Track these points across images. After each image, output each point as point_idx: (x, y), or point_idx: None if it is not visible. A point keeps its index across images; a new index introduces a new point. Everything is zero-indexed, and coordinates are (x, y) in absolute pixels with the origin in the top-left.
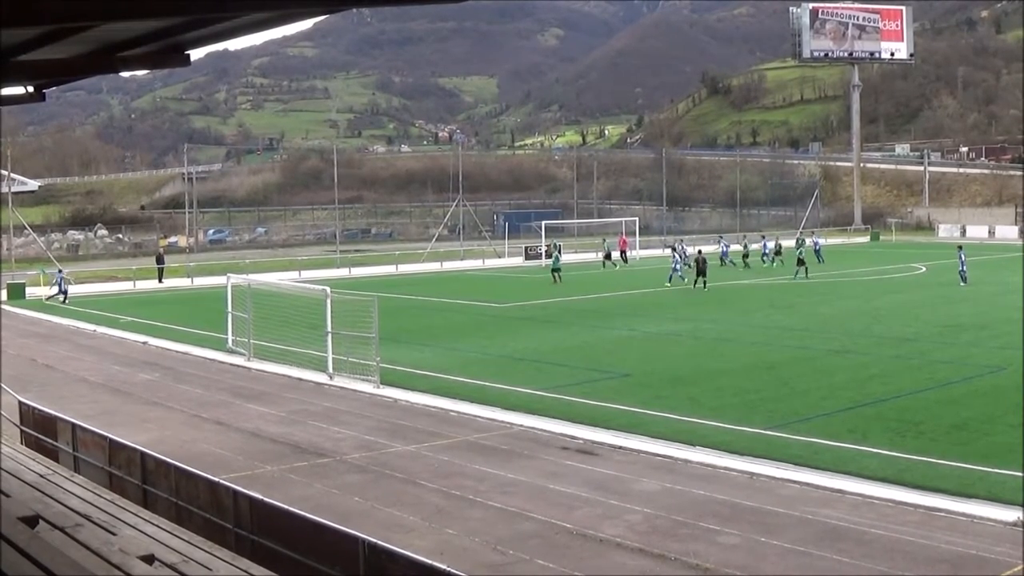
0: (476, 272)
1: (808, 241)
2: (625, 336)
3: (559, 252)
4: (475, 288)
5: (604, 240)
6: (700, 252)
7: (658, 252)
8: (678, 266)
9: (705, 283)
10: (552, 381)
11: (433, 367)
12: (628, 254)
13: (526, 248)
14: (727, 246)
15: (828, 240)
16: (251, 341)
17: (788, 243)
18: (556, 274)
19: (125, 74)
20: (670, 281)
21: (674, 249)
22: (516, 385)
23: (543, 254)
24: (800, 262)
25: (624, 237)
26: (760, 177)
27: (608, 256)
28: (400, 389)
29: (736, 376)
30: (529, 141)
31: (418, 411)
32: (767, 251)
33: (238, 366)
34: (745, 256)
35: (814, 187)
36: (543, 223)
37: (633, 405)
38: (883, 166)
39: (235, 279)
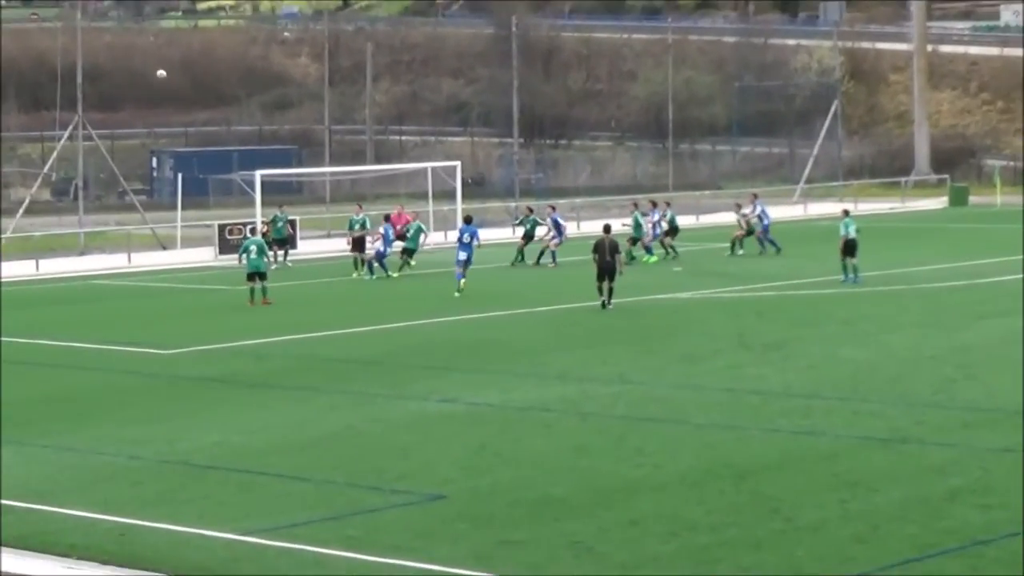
0: (115, 279)
1: (752, 211)
2: (433, 414)
3: (265, 240)
4: (112, 314)
5: (358, 211)
6: (607, 229)
7: (503, 234)
8: (466, 257)
9: (610, 292)
10: (279, 512)
11: (16, 488)
12: (421, 242)
13: (222, 228)
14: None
15: (864, 206)
16: None
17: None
18: (257, 283)
19: None
20: (459, 291)
21: (468, 222)
22: (200, 524)
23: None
24: (848, 249)
25: (403, 210)
26: (716, 76)
27: (357, 246)
28: None
29: (672, 495)
30: (226, 1)
31: None
32: (657, 232)
33: None
34: (635, 240)
35: (830, 95)
36: (258, 175)
37: (451, 562)
38: (973, 50)
39: None
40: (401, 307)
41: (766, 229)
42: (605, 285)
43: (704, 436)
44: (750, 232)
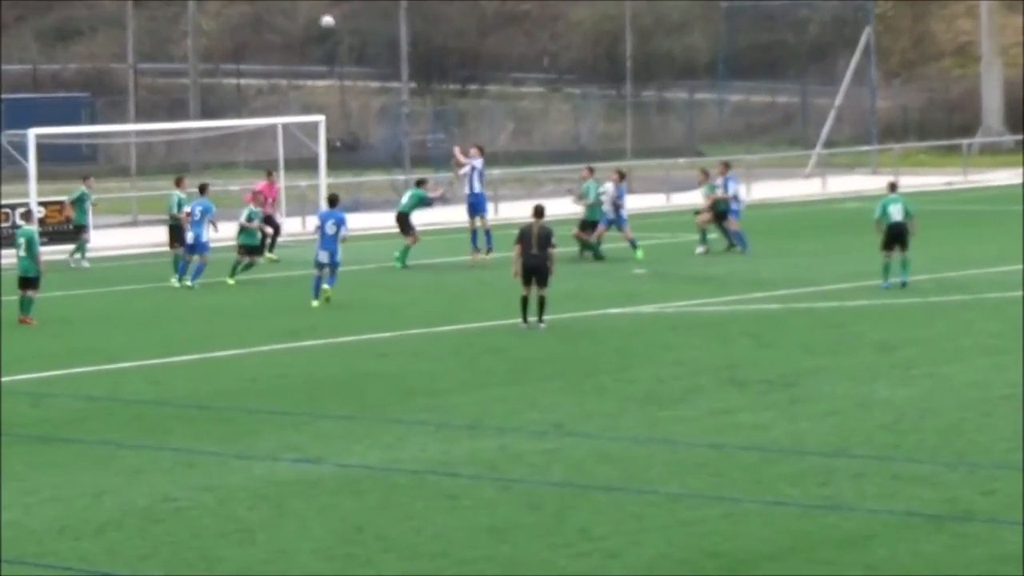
0: None
1: (723, 185)
2: (288, 480)
3: (64, 227)
4: None
5: (181, 188)
6: (539, 212)
7: (390, 221)
8: (328, 258)
9: (541, 303)
10: None
11: None
12: (271, 231)
13: None
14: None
15: (909, 179)
16: None
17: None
18: (24, 297)
19: None
20: (325, 298)
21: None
22: None
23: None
24: (895, 239)
25: (271, 181)
26: None
27: (177, 239)
28: None
29: None
30: None
31: None
32: (623, 217)
33: None
34: (589, 226)
35: (860, 19)
36: (31, 135)
37: None
38: None
39: None
40: (241, 327)
41: (735, 214)
42: (533, 293)
43: (679, 512)
44: (720, 214)
